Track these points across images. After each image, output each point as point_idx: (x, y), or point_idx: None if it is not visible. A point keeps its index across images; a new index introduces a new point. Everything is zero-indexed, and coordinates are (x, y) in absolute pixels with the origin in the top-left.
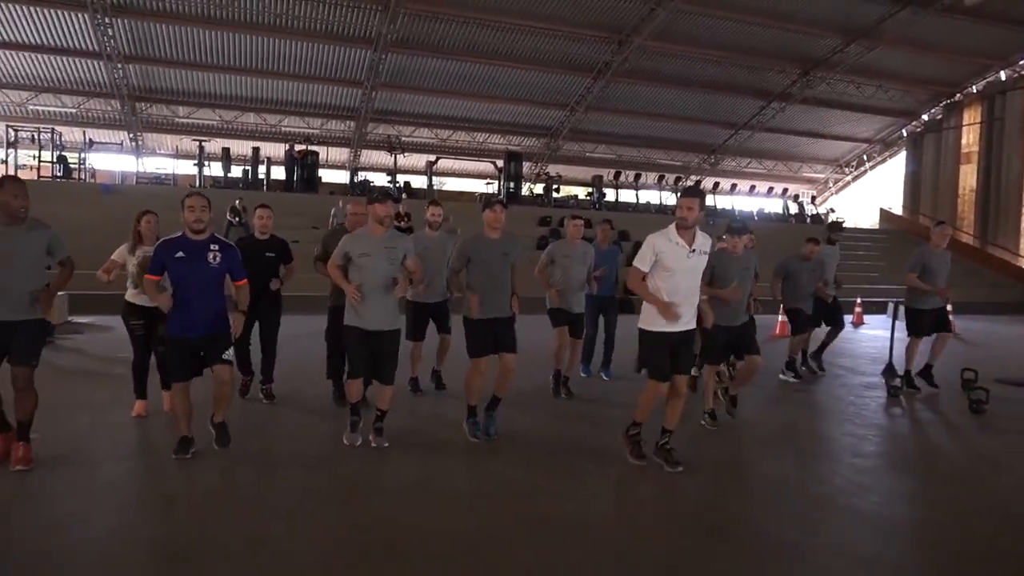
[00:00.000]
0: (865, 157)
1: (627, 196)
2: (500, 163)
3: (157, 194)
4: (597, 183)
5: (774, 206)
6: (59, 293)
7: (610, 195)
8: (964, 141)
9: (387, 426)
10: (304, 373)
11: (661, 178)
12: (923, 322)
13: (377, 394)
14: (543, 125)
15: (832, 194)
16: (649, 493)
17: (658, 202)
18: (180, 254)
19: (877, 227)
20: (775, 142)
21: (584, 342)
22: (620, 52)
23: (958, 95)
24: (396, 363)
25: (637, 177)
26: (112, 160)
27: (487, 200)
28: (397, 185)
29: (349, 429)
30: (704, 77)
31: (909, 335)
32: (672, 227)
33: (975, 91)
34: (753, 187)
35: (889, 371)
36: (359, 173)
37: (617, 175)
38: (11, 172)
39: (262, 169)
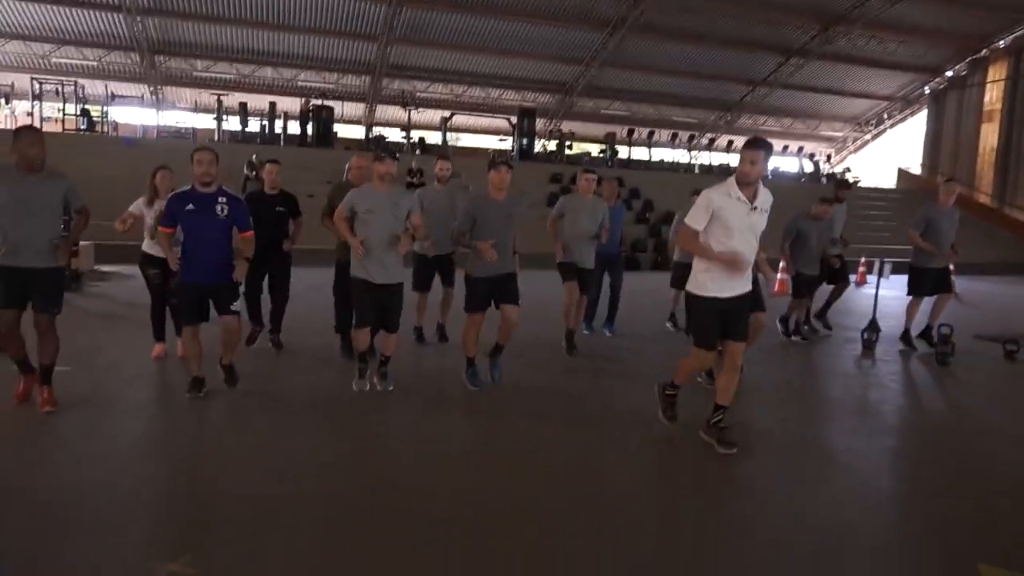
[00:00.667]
0: (885, 115)
1: (640, 154)
2: (514, 119)
3: (177, 148)
4: (610, 140)
5: (790, 165)
6: (83, 243)
7: (623, 153)
8: (987, 99)
9: (394, 373)
10: (310, 326)
11: (675, 136)
12: (924, 282)
13: (382, 341)
14: (557, 81)
15: (850, 153)
16: (654, 456)
17: (671, 160)
18: (190, 206)
19: (894, 187)
20: (793, 99)
21: (588, 300)
22: (636, 6)
23: (984, 50)
24: (400, 313)
25: (651, 135)
26: (133, 113)
27: (492, 160)
28: (412, 141)
29: (357, 376)
30: (721, 32)
31: (909, 294)
32: (731, 180)
33: (1002, 46)
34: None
35: (871, 327)
36: (374, 128)
37: (631, 132)
38: (36, 124)
39: (279, 124)
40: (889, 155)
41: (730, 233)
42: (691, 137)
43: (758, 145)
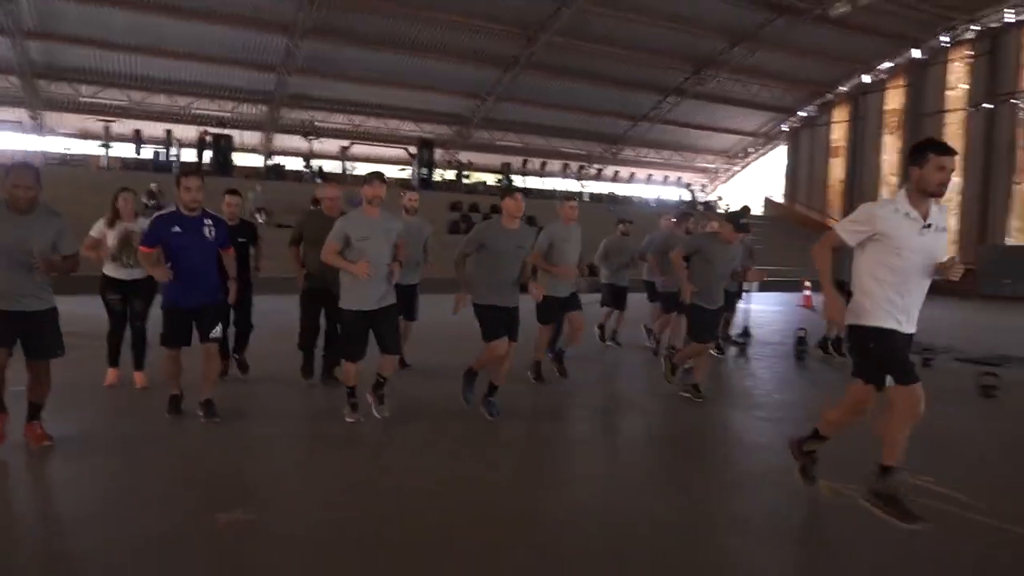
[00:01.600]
0: (750, 149)
1: (534, 183)
2: (413, 150)
3: (64, 177)
4: (506, 170)
5: (670, 194)
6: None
7: (517, 182)
8: (834, 137)
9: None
10: (276, 353)
11: (566, 166)
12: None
13: (382, 362)
14: (455, 113)
15: (722, 183)
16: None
17: (564, 189)
18: (176, 228)
19: (762, 214)
20: (671, 134)
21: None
22: (529, 47)
23: (829, 95)
24: (397, 334)
25: (543, 165)
26: (10, 139)
27: (507, 188)
28: (312, 169)
29: (350, 409)
30: (606, 72)
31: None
32: (901, 193)
33: (845, 91)
34: (650, 176)
35: (744, 334)
36: (273, 157)
37: (525, 163)
38: None
39: (174, 152)
40: (755, 184)
41: (899, 257)
42: (580, 167)
43: (949, 150)
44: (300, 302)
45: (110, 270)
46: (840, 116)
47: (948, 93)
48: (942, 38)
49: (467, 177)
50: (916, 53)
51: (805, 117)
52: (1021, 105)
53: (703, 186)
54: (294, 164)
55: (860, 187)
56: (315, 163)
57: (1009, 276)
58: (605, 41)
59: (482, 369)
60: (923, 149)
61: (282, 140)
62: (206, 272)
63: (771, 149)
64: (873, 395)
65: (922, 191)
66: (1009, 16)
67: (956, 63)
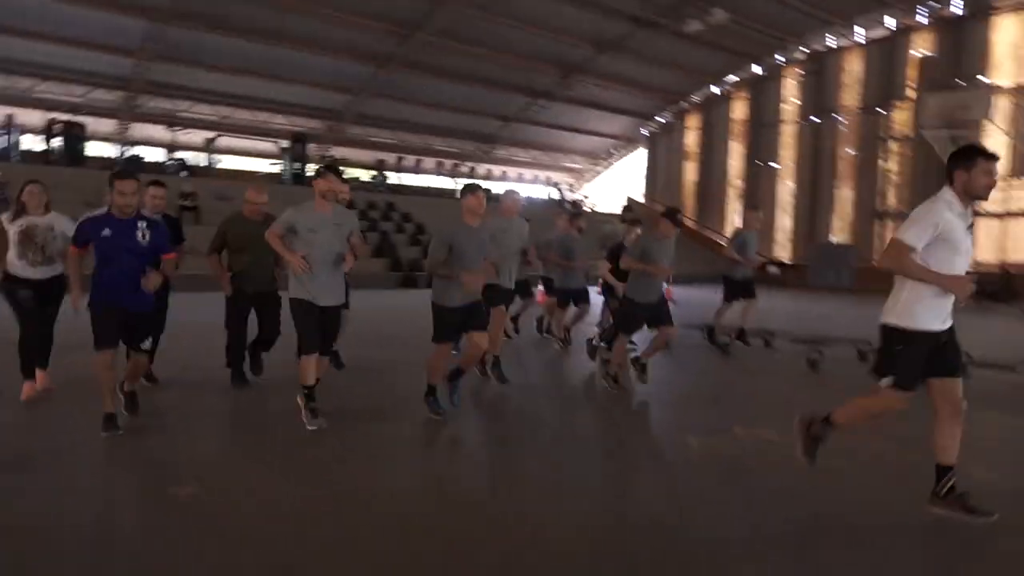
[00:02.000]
0: (613, 151)
1: (409, 180)
2: (284, 143)
3: None
4: (380, 167)
5: (540, 193)
6: None
7: (392, 178)
8: (687, 142)
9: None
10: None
11: (440, 164)
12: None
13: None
14: (328, 108)
15: (587, 182)
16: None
17: (438, 187)
18: (106, 231)
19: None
20: (540, 135)
21: None
22: (403, 44)
23: (683, 103)
24: (337, 337)
25: (418, 163)
26: None
27: (467, 186)
28: (177, 161)
29: (311, 415)
30: (480, 73)
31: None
32: (950, 193)
33: (696, 101)
34: (521, 174)
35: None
36: (131, 147)
37: (400, 160)
38: None
39: (15, 138)
40: (618, 185)
41: (956, 253)
42: (455, 165)
43: (992, 155)
44: (226, 307)
45: (17, 268)
46: (693, 123)
47: (783, 106)
48: (778, 57)
49: (342, 173)
50: (757, 69)
51: (661, 123)
52: (841, 120)
53: (570, 185)
54: (155, 155)
55: (710, 189)
56: (180, 154)
57: (832, 269)
58: (478, 43)
59: (439, 378)
60: (971, 154)
61: (141, 129)
62: (135, 277)
63: (632, 151)
64: (906, 400)
65: (968, 194)
66: (831, 42)
67: (790, 80)
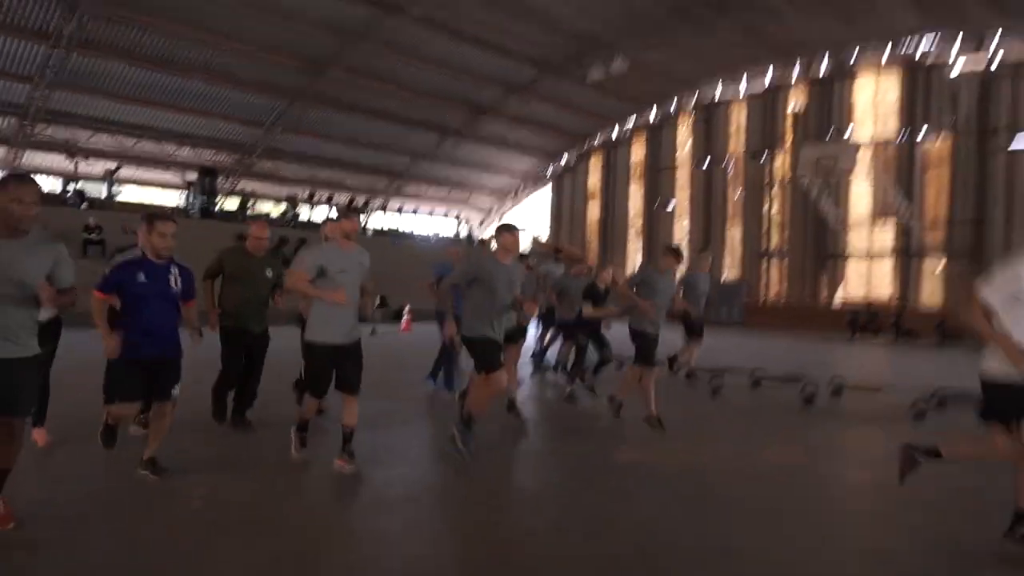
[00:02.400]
0: (520, 189)
1: (320, 216)
2: (190, 176)
3: None
4: (292, 201)
5: (448, 229)
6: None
7: (304, 215)
8: (590, 182)
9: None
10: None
11: (351, 200)
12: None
13: (345, 410)
14: (238, 141)
15: (495, 220)
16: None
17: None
18: (142, 277)
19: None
20: (451, 172)
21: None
22: (314, 80)
23: (587, 145)
24: (360, 373)
25: (330, 198)
26: None
27: (503, 225)
28: (79, 192)
29: (300, 444)
30: (391, 110)
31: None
32: None
33: (598, 143)
34: (432, 211)
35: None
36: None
37: (311, 195)
38: None
39: None
40: (523, 222)
41: None
42: (366, 201)
43: None
44: (221, 343)
45: None
46: (595, 164)
47: (678, 153)
48: (672, 106)
49: (251, 207)
50: (653, 116)
51: (566, 164)
52: (729, 166)
53: (480, 222)
54: (50, 184)
55: (613, 227)
56: (78, 185)
57: (724, 305)
58: (390, 81)
59: (480, 409)
60: None
61: (33, 157)
62: (166, 324)
63: (538, 190)
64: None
65: None
66: (719, 94)
67: (683, 127)
